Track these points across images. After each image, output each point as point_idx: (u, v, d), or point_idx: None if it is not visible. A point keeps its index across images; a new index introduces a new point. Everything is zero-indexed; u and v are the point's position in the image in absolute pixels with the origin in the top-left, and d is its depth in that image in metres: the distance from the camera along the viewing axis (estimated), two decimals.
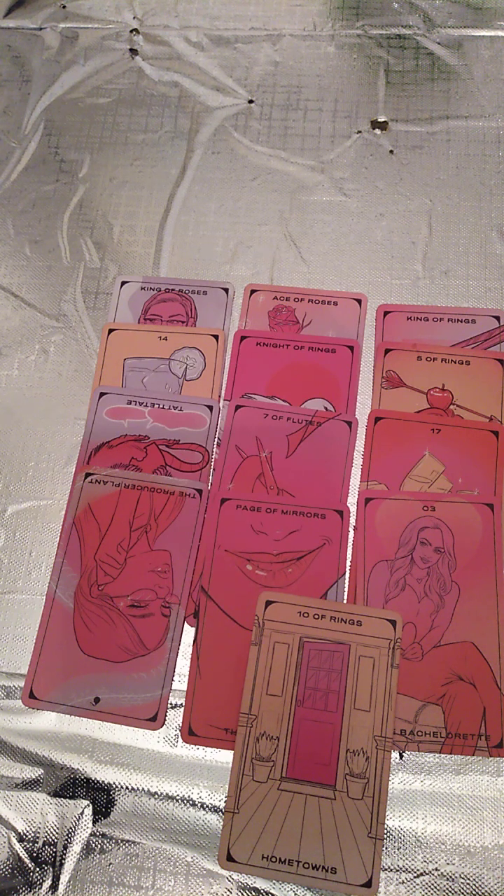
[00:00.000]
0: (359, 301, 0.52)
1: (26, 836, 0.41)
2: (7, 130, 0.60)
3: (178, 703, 0.42)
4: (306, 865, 0.38)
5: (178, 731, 0.42)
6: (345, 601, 0.44)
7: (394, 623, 0.41)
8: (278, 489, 0.47)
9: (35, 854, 0.40)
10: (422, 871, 0.39)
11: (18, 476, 0.49)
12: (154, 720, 0.42)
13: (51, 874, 0.40)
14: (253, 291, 0.53)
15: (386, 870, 0.39)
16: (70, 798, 0.41)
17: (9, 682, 0.44)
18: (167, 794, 0.41)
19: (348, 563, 0.45)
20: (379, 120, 0.58)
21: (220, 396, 0.50)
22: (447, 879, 0.39)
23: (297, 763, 0.39)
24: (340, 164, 0.57)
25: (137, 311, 0.53)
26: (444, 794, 0.40)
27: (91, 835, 0.40)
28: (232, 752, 0.40)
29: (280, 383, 0.50)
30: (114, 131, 0.59)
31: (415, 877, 0.39)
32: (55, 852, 0.40)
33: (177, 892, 0.39)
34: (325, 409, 0.49)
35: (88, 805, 0.41)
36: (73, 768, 0.42)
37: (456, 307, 0.51)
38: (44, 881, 0.40)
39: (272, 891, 0.39)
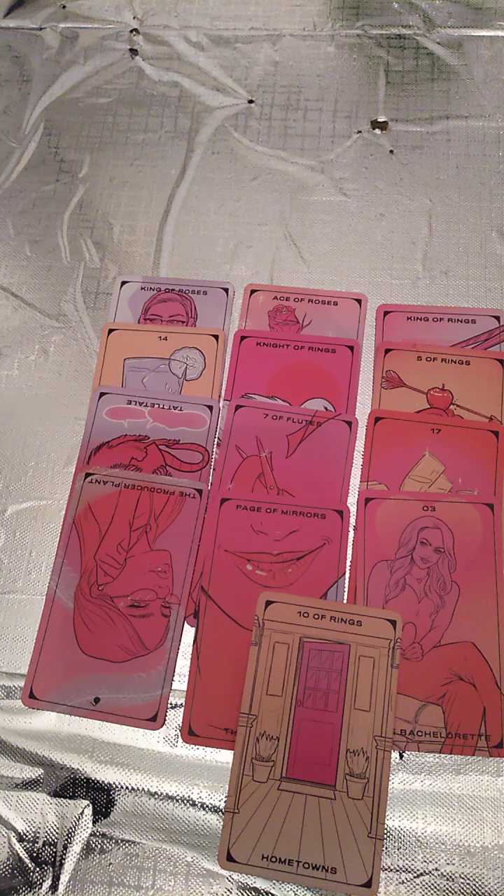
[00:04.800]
0: (359, 301, 0.52)
1: (26, 836, 0.41)
2: (7, 130, 0.60)
3: (178, 703, 0.42)
4: (306, 865, 0.38)
5: (178, 731, 0.42)
6: (345, 601, 0.44)
7: (394, 623, 0.41)
8: (278, 489, 0.47)
9: (35, 854, 0.40)
10: (422, 871, 0.39)
11: (18, 476, 0.49)
12: (154, 720, 0.42)
13: (51, 874, 0.40)
14: (253, 291, 0.53)
15: (386, 870, 0.39)
16: (70, 798, 0.41)
17: (9, 682, 0.44)
18: (167, 794, 0.41)
19: (348, 563, 0.45)
20: (379, 120, 0.58)
21: (220, 396, 0.50)
22: (447, 879, 0.39)
23: (297, 763, 0.39)
24: (340, 164, 0.57)
25: (137, 311, 0.53)
26: (444, 794, 0.40)
27: (91, 835, 0.40)
28: (232, 752, 0.40)
29: (280, 383, 0.50)
30: (114, 131, 0.59)
31: (415, 877, 0.39)
32: (55, 852, 0.40)
33: (177, 892, 0.39)
34: (325, 409, 0.49)
35: (88, 805, 0.41)
36: (73, 768, 0.42)
37: (456, 307, 0.51)
38: (44, 881, 0.40)
39: (272, 891, 0.39)
